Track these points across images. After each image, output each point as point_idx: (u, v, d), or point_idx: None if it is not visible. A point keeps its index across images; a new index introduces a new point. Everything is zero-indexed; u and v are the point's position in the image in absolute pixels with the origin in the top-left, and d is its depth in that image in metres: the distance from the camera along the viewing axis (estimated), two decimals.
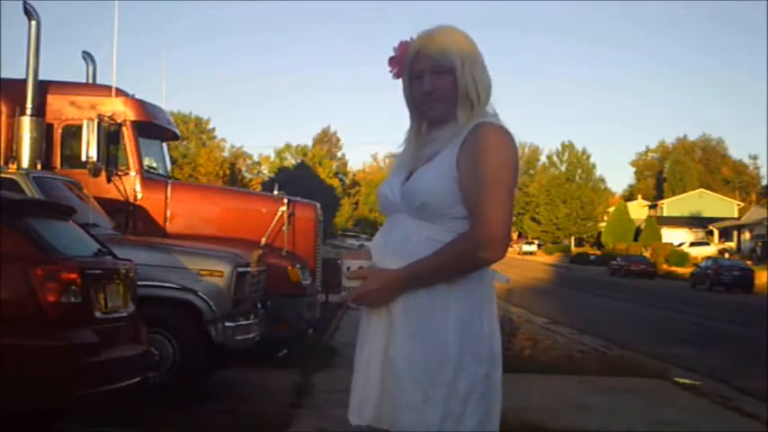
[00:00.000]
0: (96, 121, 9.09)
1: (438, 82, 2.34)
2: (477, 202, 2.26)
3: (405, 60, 2.40)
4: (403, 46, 2.42)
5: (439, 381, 2.24)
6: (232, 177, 69.62)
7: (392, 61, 2.44)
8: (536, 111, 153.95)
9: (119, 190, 9.46)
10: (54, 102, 9.73)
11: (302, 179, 64.14)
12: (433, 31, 2.38)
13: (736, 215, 79.48)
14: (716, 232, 71.66)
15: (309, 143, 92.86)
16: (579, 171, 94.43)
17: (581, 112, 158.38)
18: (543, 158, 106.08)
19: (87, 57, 10.99)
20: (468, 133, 2.31)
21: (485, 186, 2.25)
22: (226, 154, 79.32)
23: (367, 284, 2.33)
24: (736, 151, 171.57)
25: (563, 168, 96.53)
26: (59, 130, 9.70)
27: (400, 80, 2.45)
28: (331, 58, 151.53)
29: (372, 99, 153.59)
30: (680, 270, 50.82)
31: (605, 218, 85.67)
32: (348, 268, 2.37)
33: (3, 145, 9.39)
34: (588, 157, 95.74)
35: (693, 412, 7.31)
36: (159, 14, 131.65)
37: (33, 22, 9.42)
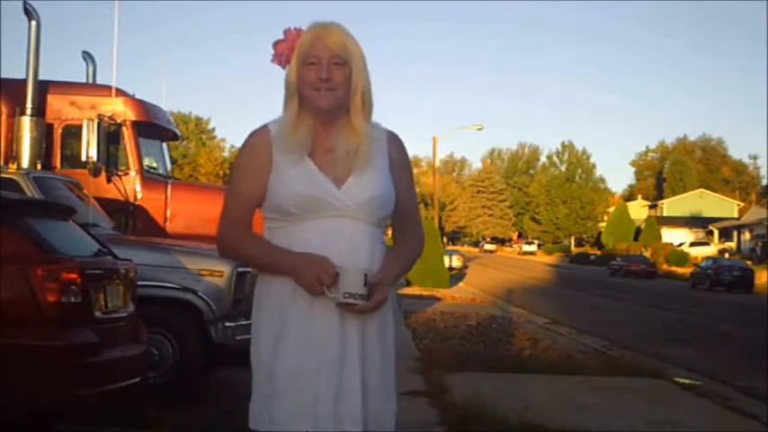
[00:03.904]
0: (96, 121, 9.09)
1: (335, 72, 2.38)
2: (413, 206, 2.52)
3: (298, 46, 2.41)
4: (292, 33, 2.44)
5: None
6: None
7: (280, 46, 2.45)
8: (536, 111, 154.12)
9: (119, 190, 9.46)
10: (54, 102, 9.74)
11: None
12: (328, 24, 2.43)
13: (736, 215, 79.50)
14: (716, 232, 71.66)
15: None
16: (579, 171, 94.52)
17: (581, 112, 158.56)
18: (543, 158, 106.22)
19: (87, 57, 10.99)
20: (390, 144, 2.47)
21: (413, 191, 2.54)
22: (226, 154, 79.28)
23: (383, 292, 2.36)
24: (736, 151, 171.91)
25: (563, 168, 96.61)
26: (59, 130, 9.70)
27: (283, 67, 2.46)
28: None
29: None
30: (680, 270, 50.79)
31: (605, 218, 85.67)
32: (351, 276, 2.30)
33: (3, 145, 9.39)
34: (588, 157, 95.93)
35: (693, 412, 7.30)
36: (159, 14, 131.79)
37: (33, 22, 9.42)
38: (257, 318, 2.49)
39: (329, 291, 2.30)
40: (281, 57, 2.44)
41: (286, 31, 2.44)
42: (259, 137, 2.43)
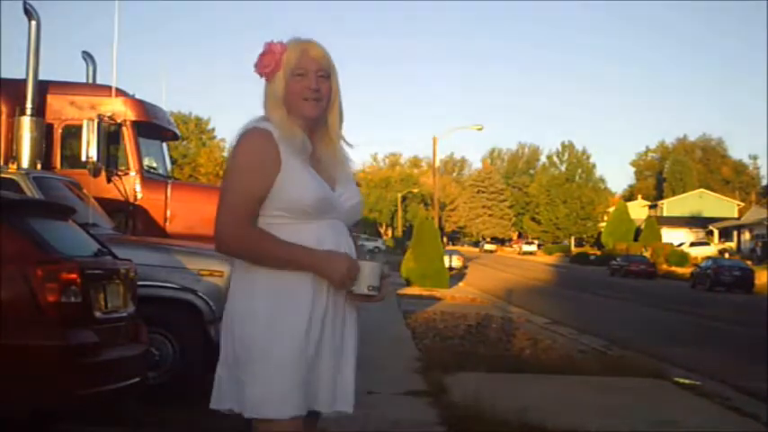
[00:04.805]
0: (96, 121, 9.07)
1: (321, 84, 2.54)
2: None
3: (285, 59, 2.53)
4: (276, 46, 2.54)
5: None
6: None
7: (266, 58, 2.54)
8: (536, 111, 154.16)
9: (119, 190, 9.44)
10: (54, 102, 9.72)
11: None
12: (310, 39, 2.58)
13: (736, 215, 79.48)
14: (716, 232, 71.62)
15: None
16: (579, 171, 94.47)
17: (581, 112, 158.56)
18: (543, 158, 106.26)
19: (87, 57, 10.97)
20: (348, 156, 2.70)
21: None
22: (226, 154, 79.29)
23: (387, 285, 2.60)
24: (736, 151, 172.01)
25: (563, 168, 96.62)
26: (59, 130, 9.69)
27: (265, 78, 2.58)
28: None
29: (372, 99, 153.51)
30: (680, 270, 50.78)
31: (605, 218, 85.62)
32: (375, 271, 2.54)
33: (3, 145, 9.38)
34: (588, 157, 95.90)
35: (693, 412, 7.30)
36: (159, 14, 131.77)
37: (33, 22, 9.41)
38: (272, 312, 2.52)
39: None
40: (266, 68, 2.55)
41: (269, 44, 2.55)
42: (265, 138, 2.51)
